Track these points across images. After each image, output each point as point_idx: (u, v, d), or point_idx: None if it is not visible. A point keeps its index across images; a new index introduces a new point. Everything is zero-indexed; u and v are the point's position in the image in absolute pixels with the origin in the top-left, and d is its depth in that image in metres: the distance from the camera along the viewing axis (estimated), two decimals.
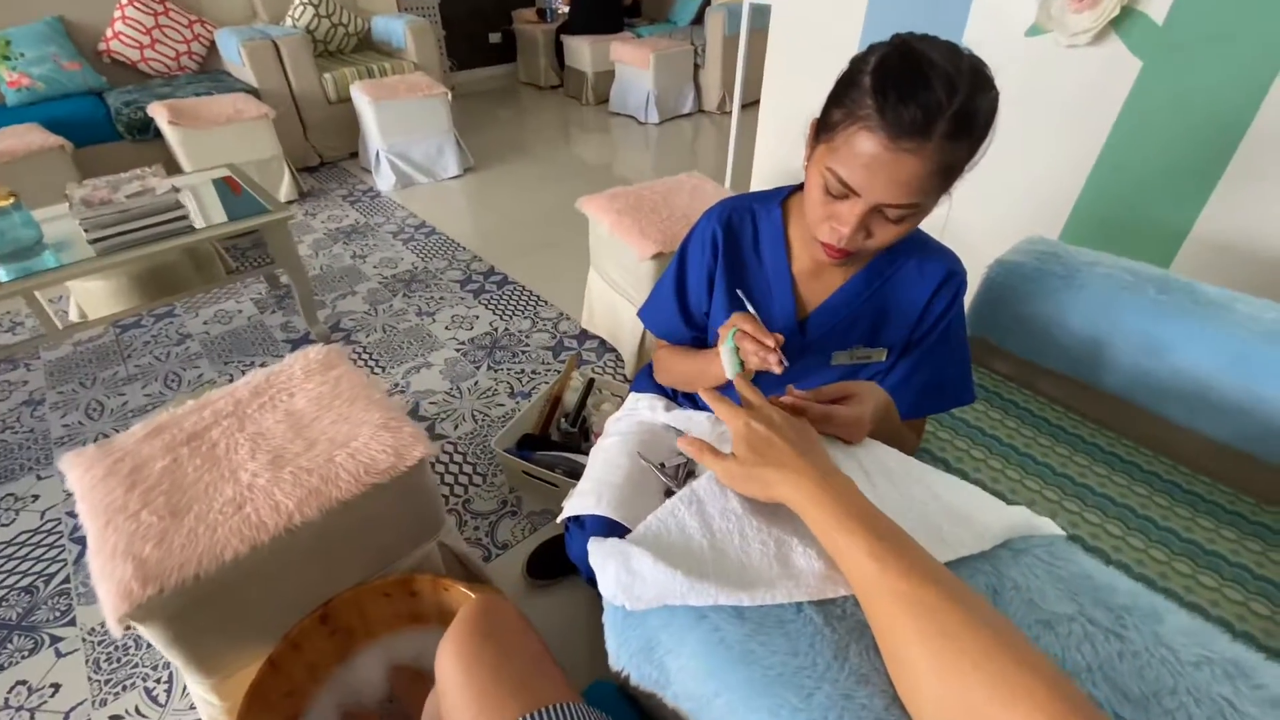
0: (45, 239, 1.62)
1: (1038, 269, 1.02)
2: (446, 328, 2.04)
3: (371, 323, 2.07)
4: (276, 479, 0.90)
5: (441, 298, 2.20)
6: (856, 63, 0.62)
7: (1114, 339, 0.96)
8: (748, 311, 0.69)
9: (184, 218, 1.65)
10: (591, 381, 1.58)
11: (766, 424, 0.55)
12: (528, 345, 1.96)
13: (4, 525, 1.40)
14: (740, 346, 0.67)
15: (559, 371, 1.82)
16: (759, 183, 2.37)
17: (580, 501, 0.88)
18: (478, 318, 2.09)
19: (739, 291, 0.76)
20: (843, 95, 0.61)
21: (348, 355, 1.16)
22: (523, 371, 1.85)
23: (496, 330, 2.03)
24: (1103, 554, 0.80)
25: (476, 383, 1.80)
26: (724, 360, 0.70)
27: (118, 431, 1.63)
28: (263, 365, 1.85)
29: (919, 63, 0.56)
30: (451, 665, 0.62)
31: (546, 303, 2.17)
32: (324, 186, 3.08)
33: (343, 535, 0.92)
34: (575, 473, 1.34)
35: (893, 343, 0.79)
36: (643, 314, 0.97)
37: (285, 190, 2.85)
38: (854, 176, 0.61)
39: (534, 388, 1.78)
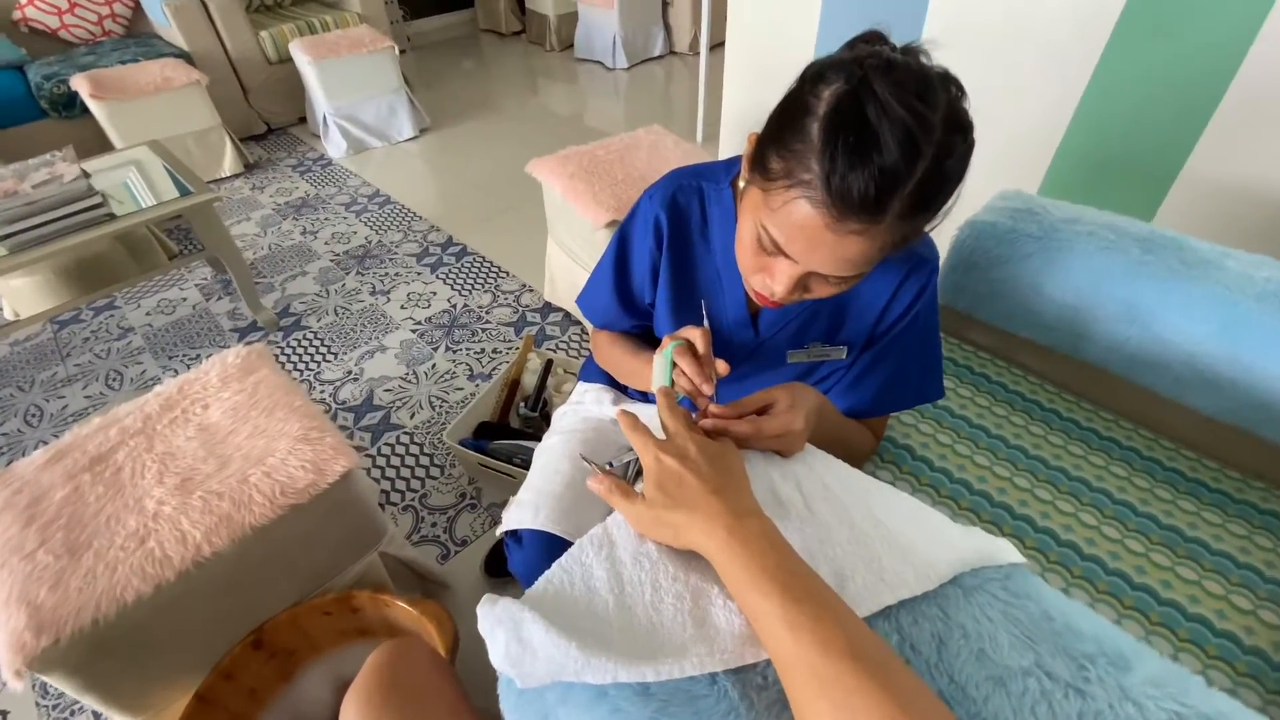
0: None
1: (1011, 229, 0.92)
2: (402, 306, 1.94)
3: (323, 305, 1.96)
4: (184, 506, 0.82)
5: (397, 274, 2.09)
6: (805, 92, 0.49)
7: (1095, 305, 0.88)
8: (704, 327, 0.59)
9: (99, 205, 1.52)
10: (550, 362, 1.50)
11: (679, 458, 0.47)
12: (488, 322, 1.86)
13: None
14: (677, 363, 0.59)
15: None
16: (729, 131, 2.22)
17: (517, 514, 0.81)
18: (435, 294, 1.99)
19: (703, 304, 0.68)
20: (786, 137, 0.49)
21: (271, 355, 1.07)
22: (483, 351, 1.76)
23: (455, 307, 1.93)
24: (1075, 547, 0.74)
25: (434, 365, 1.72)
26: (655, 368, 0.62)
27: (57, 438, 1.55)
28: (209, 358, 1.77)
29: (879, 116, 0.44)
30: None
31: (508, 274, 2.06)
32: (272, 156, 2.91)
33: (263, 561, 0.86)
34: None
35: (854, 339, 0.71)
36: (581, 302, 0.88)
37: (229, 164, 2.68)
38: (790, 246, 0.52)
39: (495, 369, 1.70)
